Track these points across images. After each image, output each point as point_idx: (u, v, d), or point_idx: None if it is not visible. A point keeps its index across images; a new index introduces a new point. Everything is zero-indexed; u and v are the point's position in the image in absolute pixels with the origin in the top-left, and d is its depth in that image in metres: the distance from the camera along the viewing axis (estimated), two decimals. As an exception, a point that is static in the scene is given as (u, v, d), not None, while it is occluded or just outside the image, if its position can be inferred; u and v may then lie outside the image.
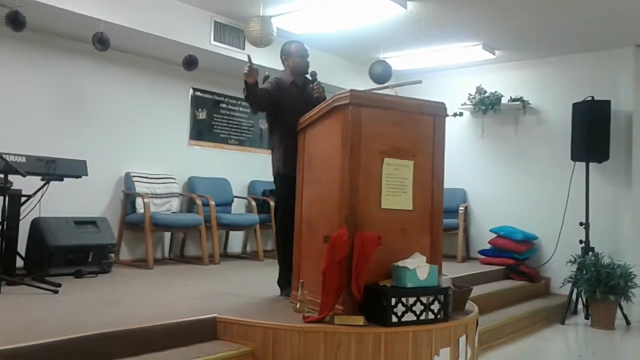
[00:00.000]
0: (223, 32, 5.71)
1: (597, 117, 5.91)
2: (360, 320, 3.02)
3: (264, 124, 7.29)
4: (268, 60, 6.08)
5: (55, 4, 4.47)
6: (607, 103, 5.97)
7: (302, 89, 4.00)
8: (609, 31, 5.77)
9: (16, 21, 4.42)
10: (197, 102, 6.63)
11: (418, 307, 3.08)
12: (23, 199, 4.44)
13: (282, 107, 3.95)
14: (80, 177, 4.69)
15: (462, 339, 3.24)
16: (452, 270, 4.84)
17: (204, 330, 3.21)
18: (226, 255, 6.64)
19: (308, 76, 4.04)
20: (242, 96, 3.91)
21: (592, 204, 5.99)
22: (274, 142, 4.06)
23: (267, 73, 5.51)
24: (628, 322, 5.66)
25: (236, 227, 6.44)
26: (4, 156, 3.94)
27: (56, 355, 2.61)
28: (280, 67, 4.22)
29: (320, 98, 3.87)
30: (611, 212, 6.21)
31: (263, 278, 4.27)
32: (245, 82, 3.73)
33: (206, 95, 6.73)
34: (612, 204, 6.23)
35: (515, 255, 6.51)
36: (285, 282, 3.97)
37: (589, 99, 5.97)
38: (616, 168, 6.18)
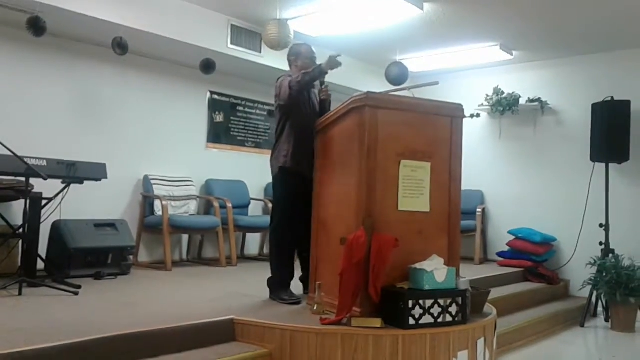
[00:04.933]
0: (240, 35, 5.75)
1: (616, 117, 5.84)
2: (377, 322, 3.02)
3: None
4: (286, 63, 6.10)
5: (75, 9, 4.54)
6: (627, 103, 5.89)
7: (310, 90, 3.98)
8: (628, 30, 5.71)
9: (37, 26, 4.49)
10: (214, 105, 6.67)
11: (436, 310, 3.07)
12: (44, 202, 4.50)
13: (297, 109, 3.90)
14: (100, 180, 4.74)
15: (481, 342, 3.22)
16: (470, 273, 4.80)
17: (221, 332, 3.23)
18: (243, 257, 6.66)
19: None
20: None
21: (612, 206, 5.91)
22: (281, 138, 3.93)
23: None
24: (649, 325, 5.59)
25: (253, 229, 6.46)
26: (25, 160, 3.99)
27: (76, 356, 2.64)
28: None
29: (327, 101, 3.91)
30: (632, 214, 6.14)
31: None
32: (322, 70, 3.72)
33: (223, 99, 6.76)
34: (632, 205, 6.16)
35: (533, 258, 6.46)
36: (277, 284, 3.93)
37: (609, 99, 5.90)
38: (636, 169, 6.10)
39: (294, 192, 3.89)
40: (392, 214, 3.26)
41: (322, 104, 3.94)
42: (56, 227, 4.78)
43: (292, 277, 3.99)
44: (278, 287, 3.92)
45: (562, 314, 5.69)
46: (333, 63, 3.70)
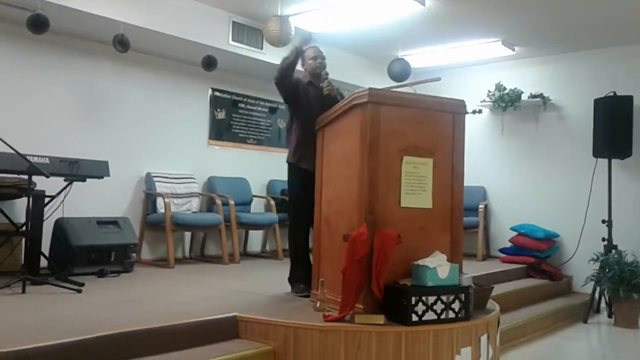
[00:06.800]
0: (241, 32, 5.74)
1: (619, 112, 5.83)
2: (380, 319, 3.02)
3: (282, 123, 7.32)
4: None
5: (76, 6, 4.53)
6: (630, 98, 5.88)
7: (321, 91, 3.99)
8: (630, 25, 5.69)
9: (37, 24, 4.48)
10: (216, 102, 6.66)
11: (439, 306, 3.07)
12: (47, 199, 4.50)
13: (300, 105, 4.02)
14: (102, 177, 4.74)
15: (484, 338, 3.22)
16: (472, 269, 4.79)
17: (225, 329, 3.23)
18: (246, 254, 6.66)
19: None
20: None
21: (614, 201, 5.90)
22: (290, 135, 4.15)
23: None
24: (652, 321, 5.58)
25: (255, 226, 6.46)
26: (28, 157, 3.99)
27: (79, 353, 2.65)
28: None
29: (331, 95, 3.91)
30: (634, 210, 6.13)
31: (283, 277, 4.29)
32: (296, 49, 3.94)
33: (225, 96, 6.76)
34: (635, 201, 6.15)
35: (536, 254, 6.45)
36: (296, 280, 4.03)
37: (611, 94, 5.89)
38: (639, 164, 6.09)
39: (302, 187, 3.96)
40: (395, 211, 3.26)
41: (327, 98, 3.91)
42: (59, 225, 4.79)
43: (308, 272, 3.93)
44: (295, 281, 4.02)
45: (565, 310, 5.69)
46: (303, 40, 3.95)
